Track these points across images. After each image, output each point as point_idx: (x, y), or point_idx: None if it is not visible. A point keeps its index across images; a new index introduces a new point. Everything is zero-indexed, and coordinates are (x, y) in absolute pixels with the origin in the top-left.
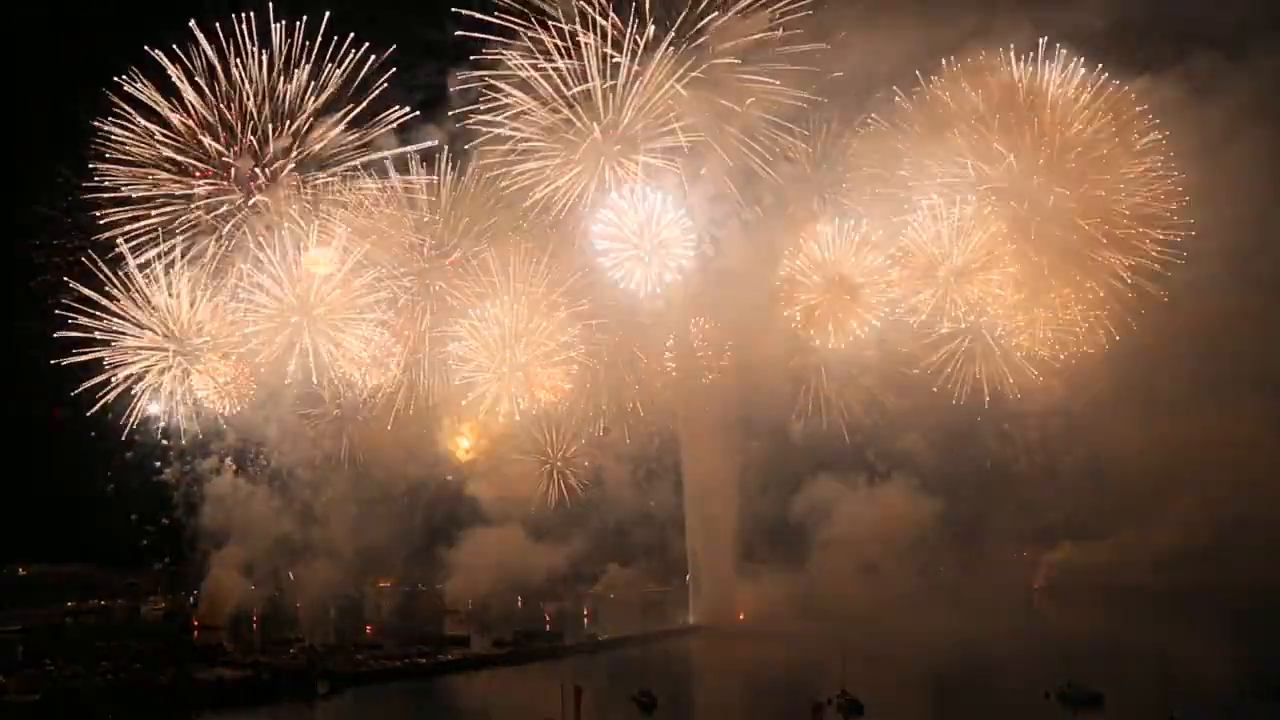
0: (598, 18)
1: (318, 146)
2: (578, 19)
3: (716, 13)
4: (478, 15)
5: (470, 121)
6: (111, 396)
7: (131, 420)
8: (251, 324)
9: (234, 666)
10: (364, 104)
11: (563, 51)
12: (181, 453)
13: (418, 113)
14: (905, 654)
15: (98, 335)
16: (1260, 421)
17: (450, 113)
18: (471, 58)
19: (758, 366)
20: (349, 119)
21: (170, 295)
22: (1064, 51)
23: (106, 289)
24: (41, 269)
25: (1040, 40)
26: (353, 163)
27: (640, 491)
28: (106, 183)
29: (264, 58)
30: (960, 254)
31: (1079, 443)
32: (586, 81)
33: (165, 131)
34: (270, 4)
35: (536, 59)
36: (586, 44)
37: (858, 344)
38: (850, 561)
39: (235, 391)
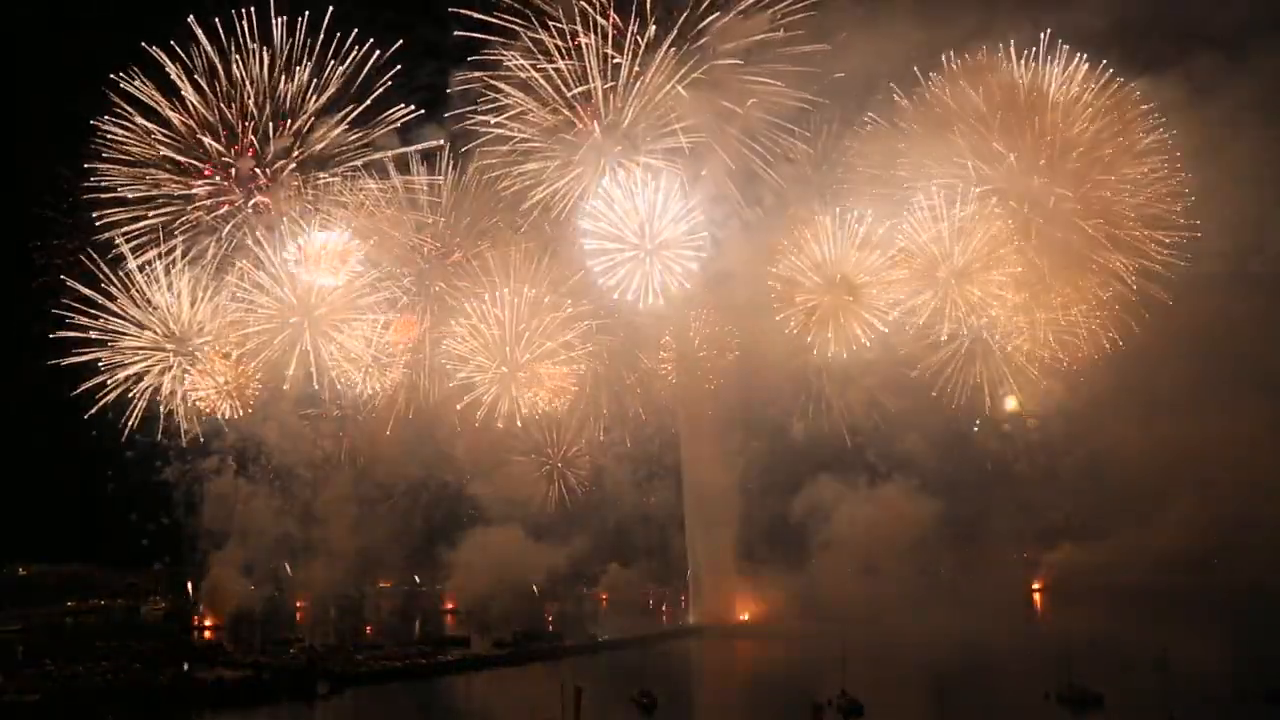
0: (598, 18)
1: (319, 146)
2: (578, 20)
3: (717, 13)
4: (478, 16)
5: (470, 122)
6: (111, 397)
7: (132, 420)
8: (252, 324)
9: (234, 666)
10: (365, 104)
11: (563, 52)
12: (182, 453)
13: (422, 111)
14: (905, 654)
15: (98, 335)
16: (1261, 423)
17: (451, 113)
18: (471, 58)
19: (758, 367)
20: (350, 119)
21: (170, 295)
22: (1065, 51)
23: (103, 286)
24: (42, 269)
25: (1041, 40)
26: (354, 163)
27: (640, 492)
28: (106, 183)
29: (265, 56)
30: (961, 255)
31: (1079, 443)
32: (587, 82)
33: (165, 131)
34: (271, 1)
35: (537, 59)
36: (587, 45)
37: (859, 346)
38: (850, 562)
39: (236, 391)
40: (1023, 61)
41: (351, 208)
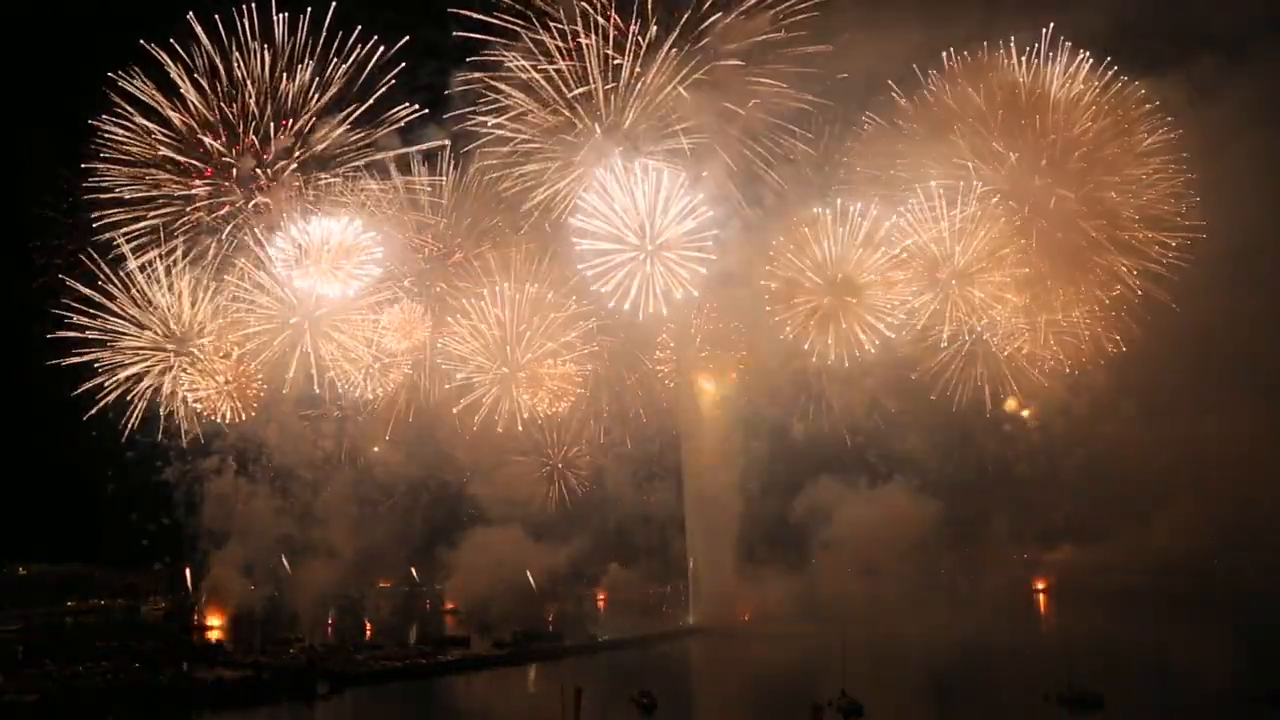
0: (599, 19)
1: (320, 146)
2: (579, 20)
3: (719, 14)
4: (478, 16)
5: (471, 123)
6: (112, 397)
7: (132, 420)
8: (252, 324)
9: (234, 666)
10: (367, 104)
11: (564, 53)
12: (182, 453)
13: (426, 110)
14: (905, 655)
15: (98, 336)
16: (1261, 424)
17: (451, 114)
18: (472, 59)
19: (759, 368)
20: (351, 119)
21: (171, 295)
22: (1066, 52)
23: (102, 285)
24: (42, 269)
25: (1042, 41)
26: (355, 163)
27: (641, 492)
28: (106, 183)
29: (266, 56)
30: (962, 256)
31: (1080, 445)
32: (588, 83)
33: (165, 131)
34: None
35: (538, 60)
36: (588, 45)
37: (860, 350)
38: (851, 563)
39: (238, 391)
40: (1024, 61)
41: (352, 208)
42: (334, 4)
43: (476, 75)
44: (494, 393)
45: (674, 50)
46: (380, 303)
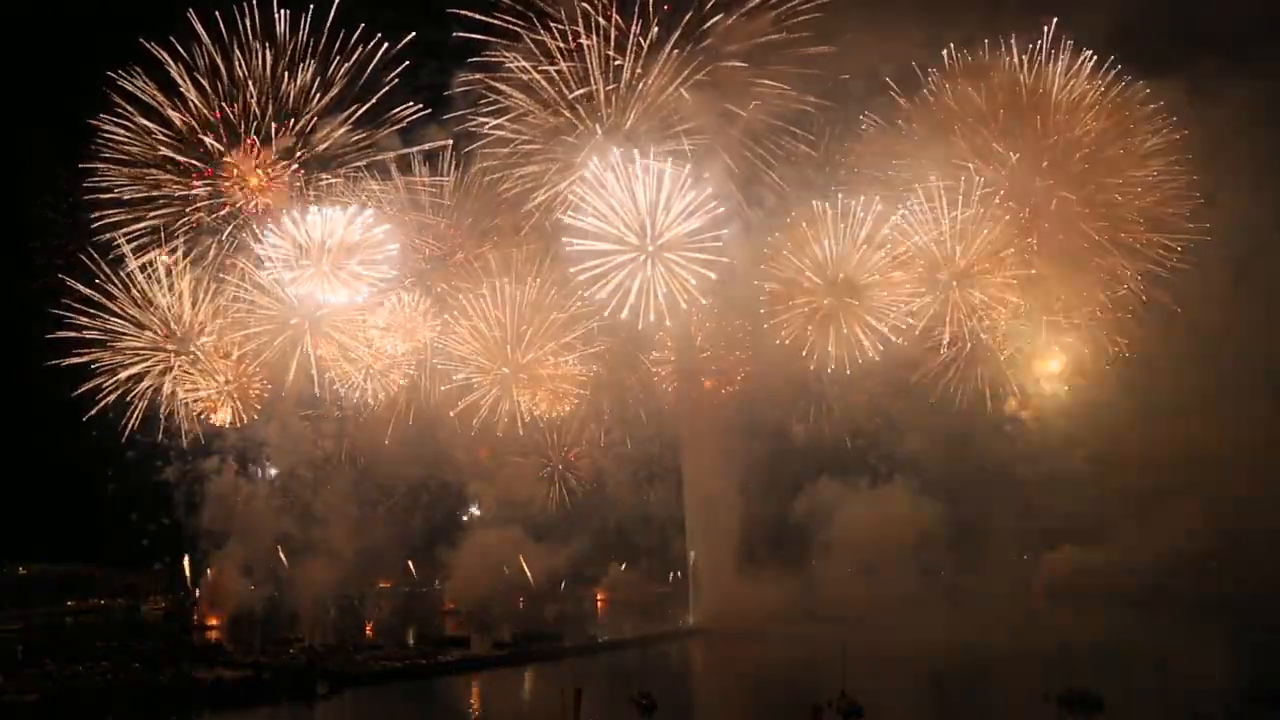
0: (600, 20)
1: (321, 146)
2: (580, 21)
3: (721, 14)
4: (479, 17)
5: (472, 124)
6: (112, 397)
7: (132, 421)
8: (252, 325)
9: (234, 666)
10: (368, 104)
11: (565, 54)
12: (182, 453)
13: (429, 110)
14: (905, 656)
15: (98, 336)
16: (1261, 425)
17: (451, 115)
18: (473, 59)
19: (760, 368)
20: (353, 119)
21: (171, 296)
22: (1068, 54)
23: (100, 284)
24: (41, 270)
25: (1044, 40)
26: (356, 163)
27: (641, 493)
28: (106, 183)
29: (267, 56)
30: (963, 257)
31: (1080, 446)
32: (589, 84)
33: (166, 131)
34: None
35: (539, 61)
36: (589, 46)
37: (861, 351)
38: (851, 563)
39: (239, 392)
40: (1025, 62)
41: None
42: (335, 3)
43: (477, 76)
44: (494, 394)
45: (675, 51)
46: (381, 304)
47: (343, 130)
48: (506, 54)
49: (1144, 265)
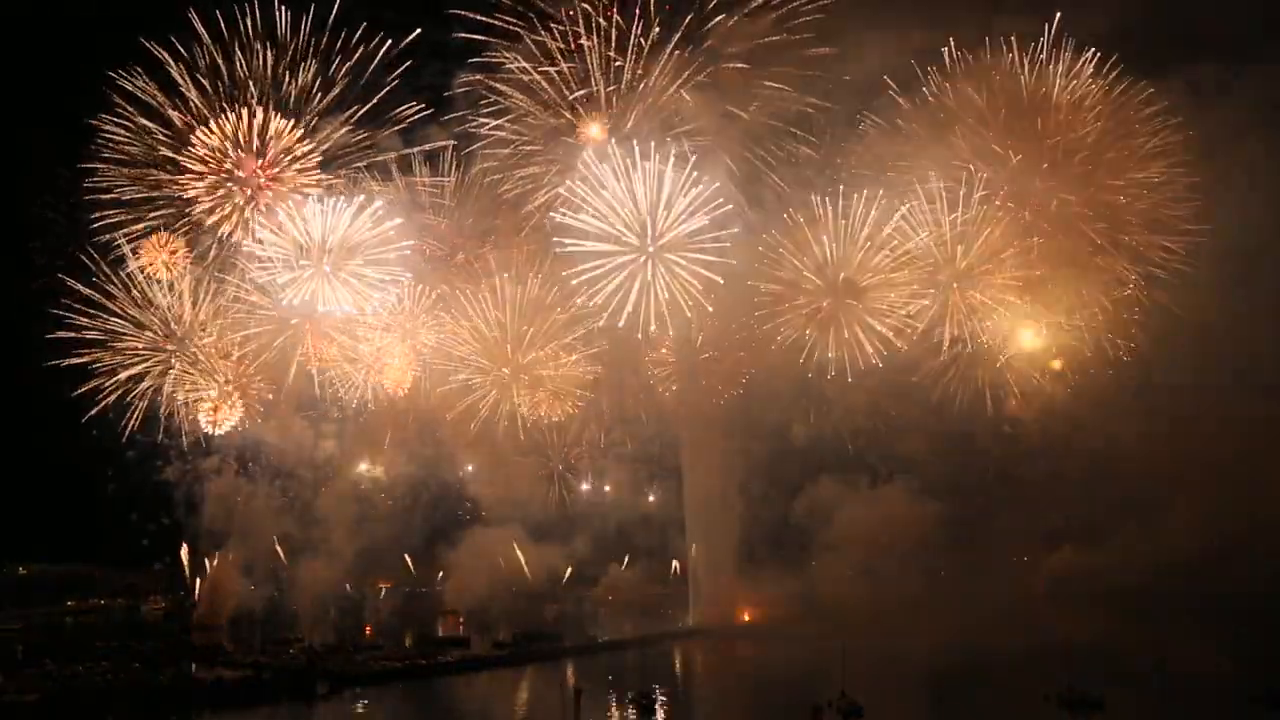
0: (600, 20)
1: (322, 147)
2: (581, 22)
3: (723, 15)
4: (479, 18)
5: (472, 124)
6: (112, 398)
7: (132, 421)
8: (252, 325)
9: (234, 666)
10: (369, 105)
11: (565, 55)
12: (182, 453)
13: (430, 110)
14: (905, 656)
15: (98, 336)
16: (1262, 427)
17: (451, 116)
18: (472, 60)
19: (760, 369)
20: (354, 119)
21: (171, 296)
22: (1069, 54)
23: (100, 284)
24: (42, 270)
25: (1045, 39)
26: (357, 164)
27: (641, 493)
28: (106, 183)
29: (268, 55)
30: (963, 258)
31: (1081, 447)
32: (590, 85)
33: (165, 131)
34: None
35: (539, 62)
36: (590, 47)
37: (862, 353)
38: (851, 564)
39: (240, 390)
40: (1026, 62)
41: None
42: (336, 3)
43: (478, 77)
44: (494, 395)
45: (676, 52)
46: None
47: (344, 130)
48: (507, 55)
49: (1144, 266)
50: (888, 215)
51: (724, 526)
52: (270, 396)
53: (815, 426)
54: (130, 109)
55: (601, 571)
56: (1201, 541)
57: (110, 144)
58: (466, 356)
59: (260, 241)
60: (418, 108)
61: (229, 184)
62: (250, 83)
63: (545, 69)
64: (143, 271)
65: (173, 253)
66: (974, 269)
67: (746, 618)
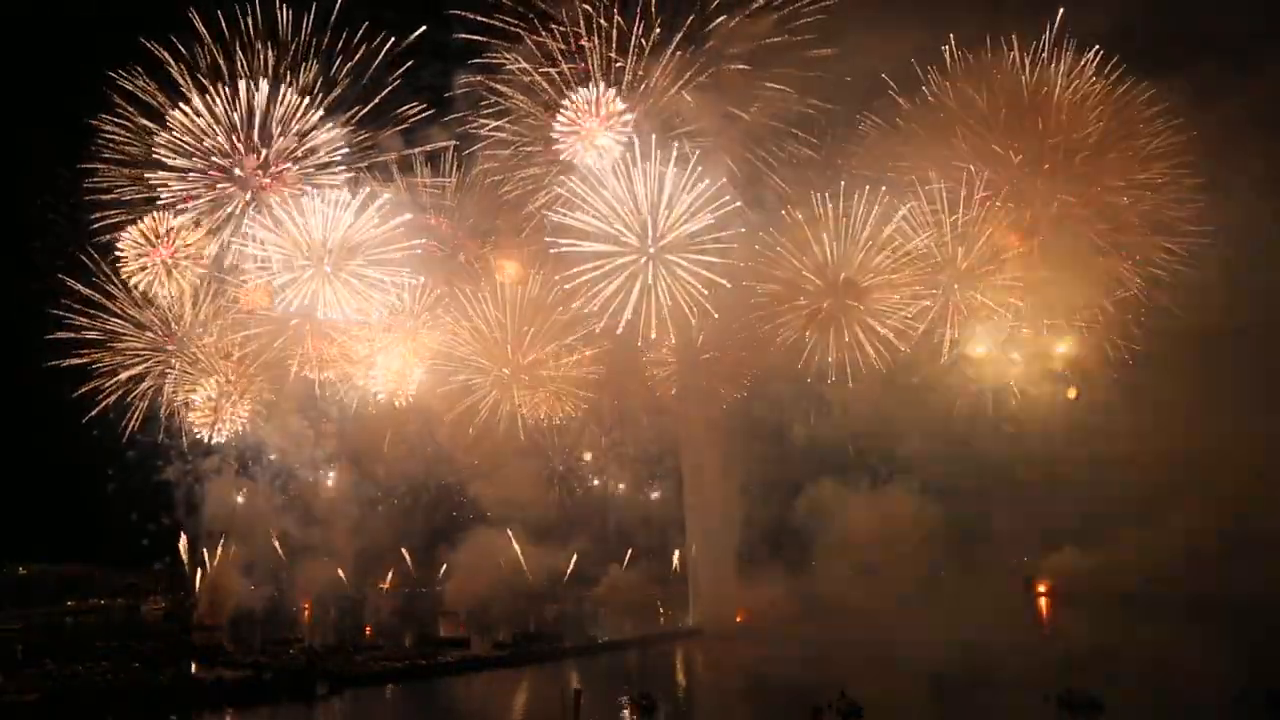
0: (601, 21)
1: (323, 147)
2: (581, 22)
3: (724, 16)
4: (480, 19)
5: (473, 125)
6: (113, 398)
7: (133, 421)
8: (253, 325)
9: (234, 666)
10: (370, 105)
11: (566, 55)
12: (182, 453)
13: (432, 110)
14: (905, 657)
15: (98, 337)
16: (1262, 427)
17: (452, 117)
18: (473, 61)
19: (761, 370)
20: (355, 119)
21: (171, 296)
22: (1070, 54)
23: (100, 284)
24: (42, 270)
25: (1046, 39)
26: (358, 164)
27: (641, 494)
28: (106, 183)
29: (269, 55)
30: (964, 259)
31: (1081, 448)
32: (590, 86)
33: (166, 131)
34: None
35: (540, 62)
36: (590, 48)
37: (862, 354)
38: (851, 565)
39: (240, 389)
40: (1028, 62)
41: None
42: (338, 3)
43: (478, 78)
44: (494, 395)
45: (677, 53)
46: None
47: (345, 130)
48: (507, 55)
49: (1145, 267)
50: (889, 216)
51: (724, 527)
52: (270, 397)
53: (815, 427)
54: (130, 109)
55: (602, 571)
56: (1202, 542)
57: (110, 144)
58: (467, 357)
59: (260, 242)
60: (419, 108)
61: (229, 184)
62: (250, 82)
63: (546, 70)
64: (139, 285)
65: (173, 254)
66: (975, 270)
67: (746, 618)
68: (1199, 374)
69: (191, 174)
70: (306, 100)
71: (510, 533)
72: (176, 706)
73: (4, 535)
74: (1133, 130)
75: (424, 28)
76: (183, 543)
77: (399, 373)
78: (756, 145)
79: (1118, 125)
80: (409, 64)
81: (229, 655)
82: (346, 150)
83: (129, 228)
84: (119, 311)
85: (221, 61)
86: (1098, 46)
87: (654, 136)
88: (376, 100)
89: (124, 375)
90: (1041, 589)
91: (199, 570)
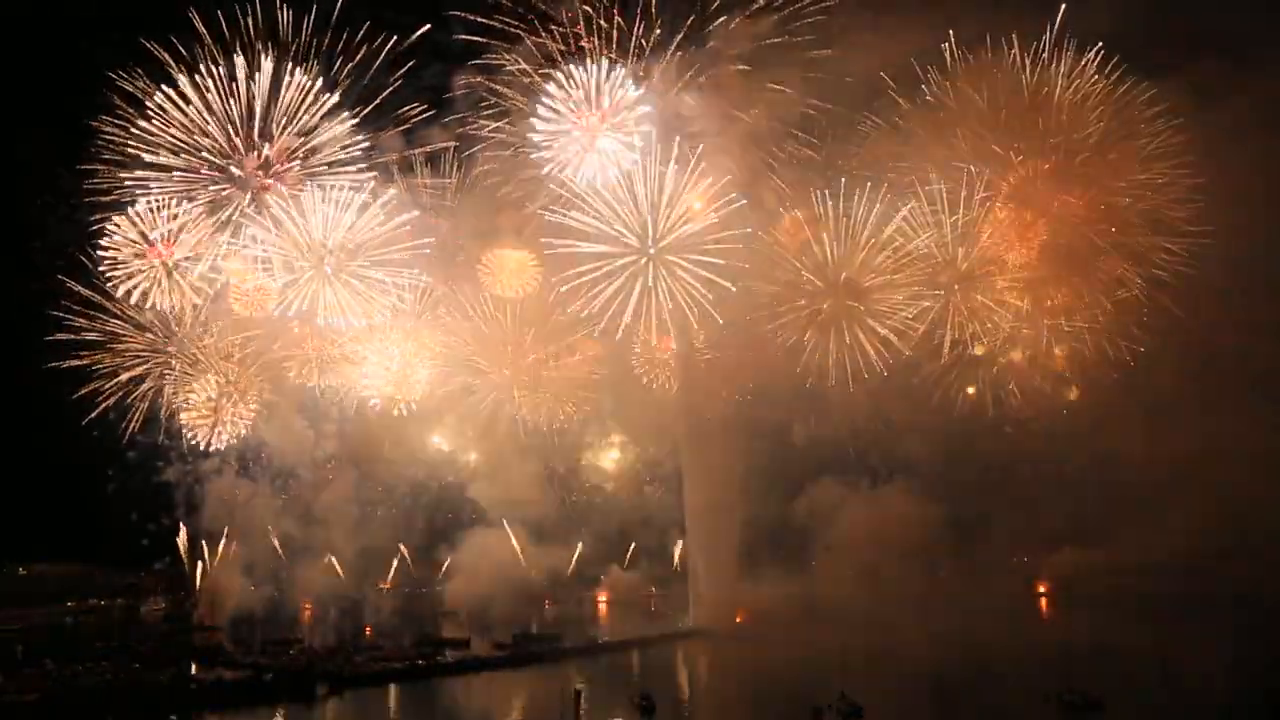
0: (602, 22)
1: (324, 148)
2: (582, 23)
3: (724, 17)
4: (480, 20)
5: (473, 125)
6: (113, 399)
7: (133, 422)
8: (253, 326)
9: (234, 667)
10: (371, 105)
11: (565, 56)
12: (183, 454)
13: (432, 111)
14: (905, 657)
15: (98, 338)
16: (1263, 427)
17: (452, 118)
18: (473, 62)
19: (761, 370)
20: (355, 119)
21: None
22: (1071, 55)
23: (99, 284)
24: (42, 271)
25: (1047, 39)
26: (358, 165)
27: (641, 494)
28: (106, 184)
29: (269, 55)
30: (964, 259)
31: (1082, 448)
32: (589, 86)
33: (166, 131)
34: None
35: (540, 63)
36: (590, 49)
37: (863, 354)
38: (851, 565)
39: (239, 391)
40: (1028, 63)
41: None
42: (339, 4)
43: (478, 79)
44: (495, 396)
45: (678, 54)
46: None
47: (345, 130)
48: (507, 56)
49: (1146, 268)
50: (889, 216)
51: (724, 527)
52: (271, 397)
53: (816, 427)
54: (130, 109)
55: (602, 572)
56: (1203, 542)
57: (110, 144)
58: (467, 358)
59: (260, 242)
60: (420, 108)
61: (229, 184)
62: (251, 83)
63: (545, 70)
64: (136, 287)
65: (171, 251)
66: (975, 270)
67: (746, 619)
68: (1199, 374)
69: (191, 173)
70: (307, 100)
71: (510, 533)
72: (176, 706)
73: (4, 535)
74: (1133, 130)
75: (427, 26)
76: (183, 543)
77: (399, 374)
78: (757, 146)
79: (1118, 125)
80: (410, 65)
81: (229, 655)
82: (347, 150)
83: (123, 224)
84: (119, 313)
85: (222, 61)
86: (1099, 46)
87: (654, 135)
88: (378, 100)
89: (124, 376)
90: (1041, 589)
91: (199, 570)
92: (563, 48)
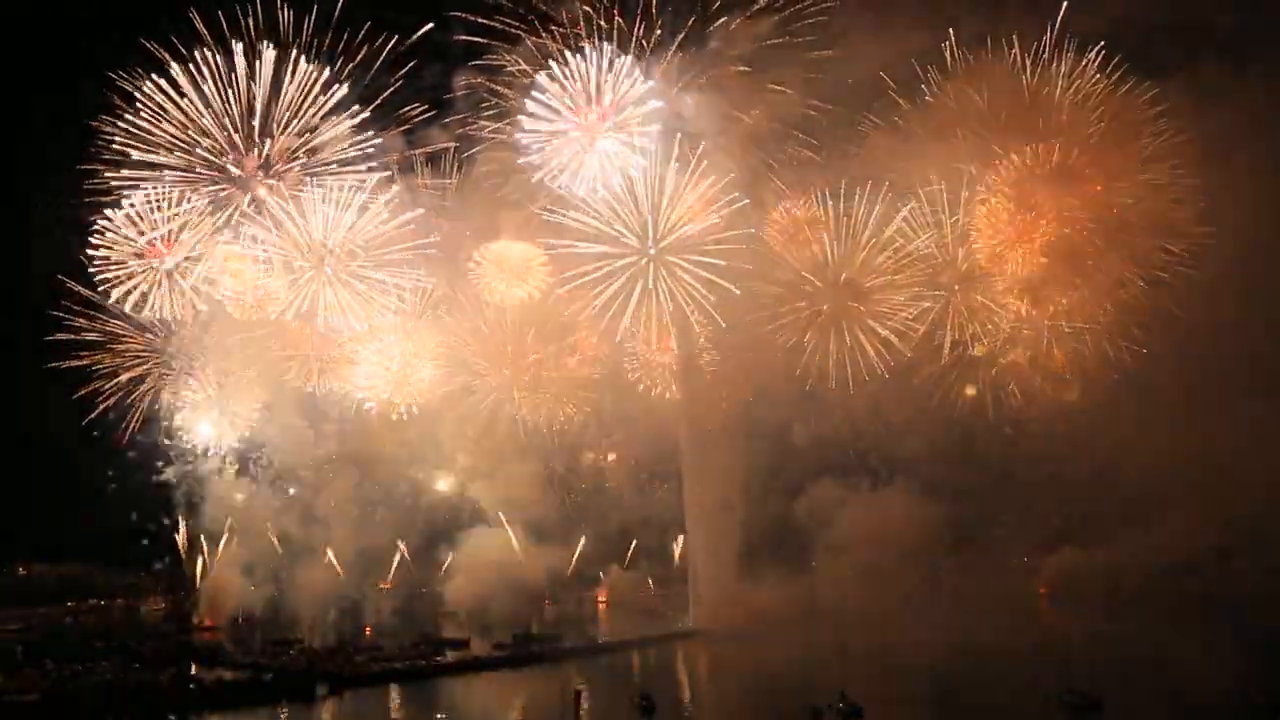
0: (602, 22)
1: (324, 148)
2: (582, 24)
3: (725, 18)
4: (480, 20)
5: (473, 126)
6: (113, 399)
7: (133, 422)
8: (254, 329)
9: (234, 667)
10: (371, 106)
11: (565, 56)
12: (182, 453)
13: (433, 111)
14: (906, 658)
15: (98, 338)
16: (1263, 428)
17: (452, 118)
18: (474, 63)
19: (761, 371)
20: (356, 119)
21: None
22: (1071, 55)
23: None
24: (42, 271)
25: (1048, 39)
26: (359, 165)
27: (641, 494)
28: (106, 185)
29: (270, 55)
30: (965, 260)
31: (1082, 448)
32: (590, 86)
33: (166, 131)
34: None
35: (540, 63)
36: (590, 48)
37: (863, 355)
38: (851, 565)
39: (238, 390)
40: (1029, 63)
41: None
42: (339, 3)
43: (479, 79)
44: (495, 396)
45: (678, 54)
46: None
47: (345, 130)
48: (507, 57)
49: (1147, 268)
50: (889, 217)
51: (725, 527)
52: (270, 397)
53: (816, 428)
54: (130, 109)
55: (602, 571)
56: (1203, 543)
57: (110, 144)
58: (467, 358)
59: (259, 242)
60: (420, 108)
61: (228, 184)
62: (251, 82)
63: (545, 70)
64: (134, 289)
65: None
66: (975, 271)
67: (746, 619)
68: (1199, 373)
69: (191, 173)
70: (308, 100)
71: (510, 533)
72: (176, 706)
73: (4, 535)
74: (1133, 130)
75: (428, 26)
76: (182, 543)
77: (399, 374)
78: (757, 146)
79: (1118, 126)
80: (410, 65)
81: (229, 655)
82: (348, 150)
83: (121, 224)
84: (119, 312)
85: (222, 61)
86: (1099, 46)
87: (655, 134)
88: (378, 101)
89: (124, 377)
90: (1041, 589)
91: (199, 570)
92: (563, 48)
